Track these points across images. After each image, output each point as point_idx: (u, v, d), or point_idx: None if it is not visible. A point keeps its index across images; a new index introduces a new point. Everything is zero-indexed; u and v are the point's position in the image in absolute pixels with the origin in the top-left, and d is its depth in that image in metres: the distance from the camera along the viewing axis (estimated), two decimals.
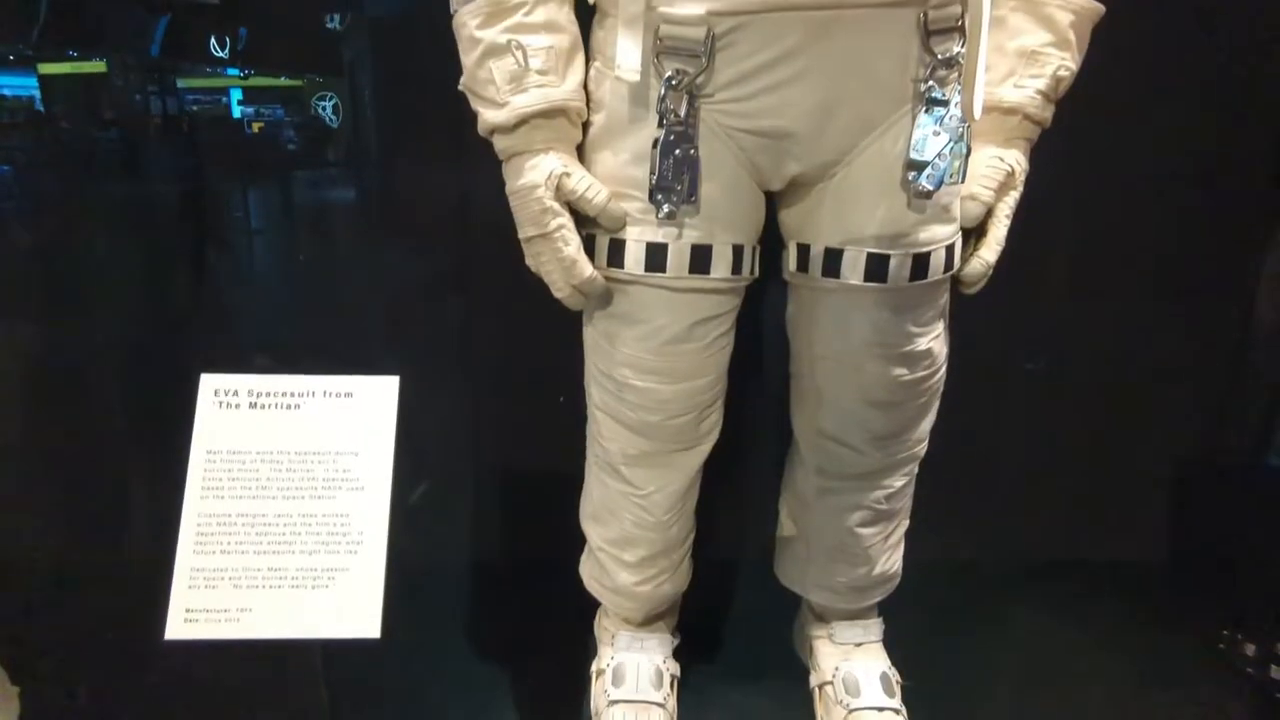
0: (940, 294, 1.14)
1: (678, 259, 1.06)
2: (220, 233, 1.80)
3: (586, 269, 1.06)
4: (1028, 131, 1.13)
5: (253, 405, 1.11)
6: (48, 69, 1.71)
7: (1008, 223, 1.13)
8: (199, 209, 1.76)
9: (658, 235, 1.06)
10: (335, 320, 1.72)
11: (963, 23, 0.97)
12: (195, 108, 1.91)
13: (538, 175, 1.03)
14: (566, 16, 1.04)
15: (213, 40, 1.75)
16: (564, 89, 1.03)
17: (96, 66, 1.69)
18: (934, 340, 1.14)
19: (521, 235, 1.08)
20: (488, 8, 1.00)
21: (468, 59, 1.04)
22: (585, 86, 1.08)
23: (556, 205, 1.04)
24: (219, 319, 1.78)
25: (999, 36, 1.10)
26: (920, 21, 0.96)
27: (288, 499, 1.08)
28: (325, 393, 1.12)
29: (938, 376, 1.18)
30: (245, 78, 1.90)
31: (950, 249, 1.09)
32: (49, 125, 1.78)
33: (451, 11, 1.04)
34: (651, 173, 1.01)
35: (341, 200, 1.86)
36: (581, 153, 1.10)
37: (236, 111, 1.96)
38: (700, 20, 0.96)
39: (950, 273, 1.11)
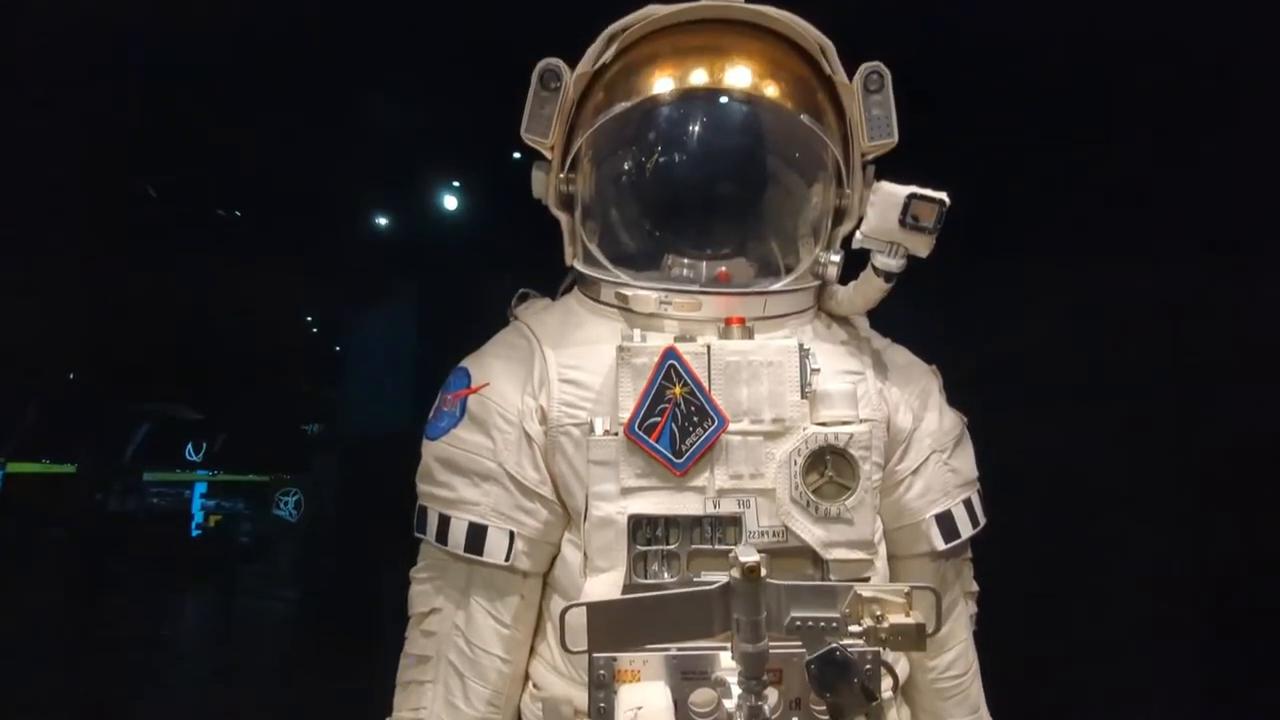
0: None
1: None
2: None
3: None
4: None
5: None
6: (16, 467, 1.73)
7: None
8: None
9: None
10: None
11: None
12: (156, 500, 1.91)
13: None
14: None
15: (189, 445, 1.80)
16: None
17: (65, 468, 1.71)
18: None
19: None
20: None
21: None
22: None
23: None
24: None
25: None
26: None
27: None
28: None
29: None
30: (214, 475, 1.93)
31: None
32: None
33: None
34: None
35: (287, 604, 1.80)
36: None
37: (197, 504, 1.96)
38: None
39: None
